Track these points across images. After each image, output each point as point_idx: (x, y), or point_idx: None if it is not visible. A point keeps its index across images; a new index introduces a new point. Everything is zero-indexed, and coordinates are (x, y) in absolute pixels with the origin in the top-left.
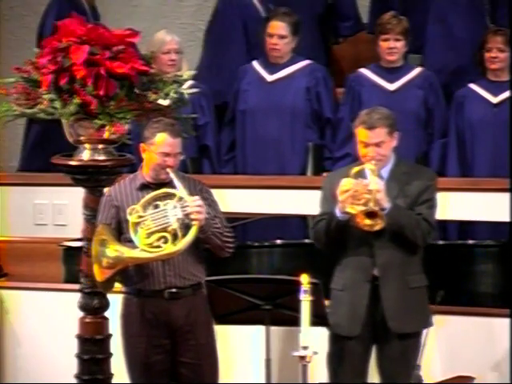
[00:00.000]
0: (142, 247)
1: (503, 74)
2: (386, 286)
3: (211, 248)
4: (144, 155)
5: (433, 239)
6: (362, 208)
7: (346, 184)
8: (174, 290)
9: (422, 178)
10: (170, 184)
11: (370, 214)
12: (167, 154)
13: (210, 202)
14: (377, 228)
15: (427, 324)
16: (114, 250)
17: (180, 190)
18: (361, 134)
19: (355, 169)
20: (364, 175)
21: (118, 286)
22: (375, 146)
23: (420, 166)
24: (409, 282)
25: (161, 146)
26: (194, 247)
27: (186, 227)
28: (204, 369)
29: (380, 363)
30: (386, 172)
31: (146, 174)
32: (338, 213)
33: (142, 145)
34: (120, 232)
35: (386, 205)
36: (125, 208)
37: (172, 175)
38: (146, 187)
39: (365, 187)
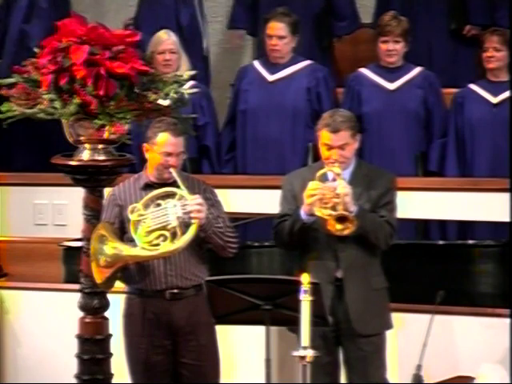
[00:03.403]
0: (142, 245)
1: (502, 74)
2: (349, 287)
3: (213, 248)
4: (147, 155)
5: (433, 239)
6: (331, 212)
7: (314, 187)
8: (175, 291)
9: (383, 180)
10: (173, 184)
11: (341, 219)
12: (169, 154)
13: (214, 202)
14: (347, 232)
15: (388, 326)
16: (113, 248)
17: (181, 188)
18: (324, 136)
19: (320, 171)
20: (327, 177)
21: (118, 285)
22: (339, 148)
23: (379, 169)
24: (372, 283)
25: (163, 145)
26: (197, 247)
27: (186, 226)
28: (205, 370)
29: (347, 365)
30: (347, 174)
31: (149, 173)
32: (303, 215)
33: (144, 145)
34: (123, 232)
35: (352, 208)
36: (128, 207)
37: (174, 175)
38: (149, 187)
39: (332, 191)
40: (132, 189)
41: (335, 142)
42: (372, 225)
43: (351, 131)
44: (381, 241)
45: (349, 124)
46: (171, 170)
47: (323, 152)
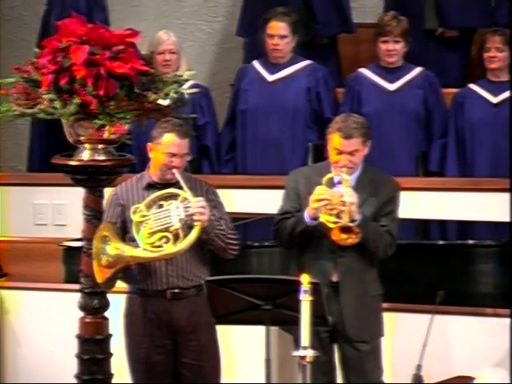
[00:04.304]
0: (144, 246)
1: (503, 74)
2: (345, 292)
3: (214, 249)
4: (151, 155)
5: (433, 239)
6: (336, 220)
7: (321, 193)
8: (176, 291)
9: (388, 188)
10: (176, 184)
11: (345, 229)
12: (174, 155)
13: (216, 204)
14: (350, 242)
15: (380, 333)
16: (115, 248)
17: (184, 190)
18: (335, 141)
19: (328, 175)
20: (333, 181)
21: (119, 285)
22: (349, 154)
23: (384, 175)
24: (368, 289)
25: (168, 146)
26: (199, 248)
27: (188, 228)
28: (205, 370)
29: (343, 364)
30: (353, 179)
31: (152, 173)
32: (306, 218)
33: (149, 144)
34: (125, 231)
35: (357, 216)
36: (130, 207)
37: (178, 176)
38: (152, 187)
39: (339, 198)
40: (134, 188)
41: (346, 147)
42: (373, 234)
43: (363, 138)
44: (380, 250)
45: (361, 131)
46: (174, 171)
47: (332, 156)
